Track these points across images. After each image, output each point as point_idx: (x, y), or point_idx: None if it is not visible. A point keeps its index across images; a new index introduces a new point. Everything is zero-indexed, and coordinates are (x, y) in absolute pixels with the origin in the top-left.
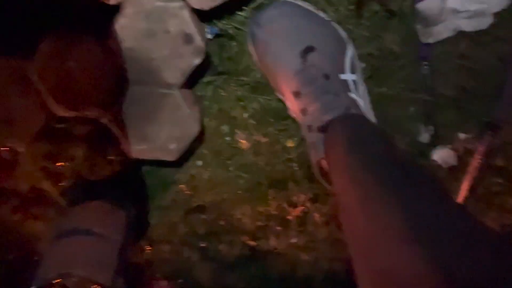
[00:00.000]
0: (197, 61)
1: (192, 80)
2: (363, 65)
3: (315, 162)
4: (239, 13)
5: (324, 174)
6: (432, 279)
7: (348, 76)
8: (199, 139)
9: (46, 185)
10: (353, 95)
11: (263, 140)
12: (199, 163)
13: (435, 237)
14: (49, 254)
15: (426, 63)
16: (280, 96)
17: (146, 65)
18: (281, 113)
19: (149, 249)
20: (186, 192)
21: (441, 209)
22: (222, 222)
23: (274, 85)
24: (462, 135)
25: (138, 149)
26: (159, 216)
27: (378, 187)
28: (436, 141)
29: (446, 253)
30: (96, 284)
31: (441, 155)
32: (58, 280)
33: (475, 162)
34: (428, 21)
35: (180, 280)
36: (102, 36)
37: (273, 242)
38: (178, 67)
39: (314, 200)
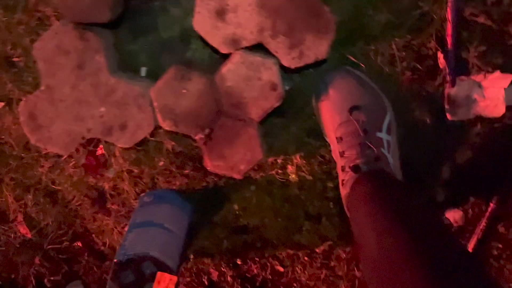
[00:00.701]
0: (277, 104)
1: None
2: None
3: (343, 196)
4: (311, 70)
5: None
6: None
7: (383, 135)
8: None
9: (127, 186)
10: (384, 151)
11: (308, 177)
12: (253, 187)
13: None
14: (128, 238)
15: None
16: (327, 140)
17: (237, 101)
18: (326, 157)
19: (192, 258)
20: (236, 211)
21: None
22: (259, 244)
23: (325, 130)
24: (472, 199)
25: (215, 164)
26: (208, 228)
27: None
28: (449, 201)
29: None
30: (166, 268)
31: (453, 215)
32: (137, 258)
33: (481, 225)
34: (455, 104)
35: None
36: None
37: (298, 271)
38: (261, 106)
39: (341, 236)
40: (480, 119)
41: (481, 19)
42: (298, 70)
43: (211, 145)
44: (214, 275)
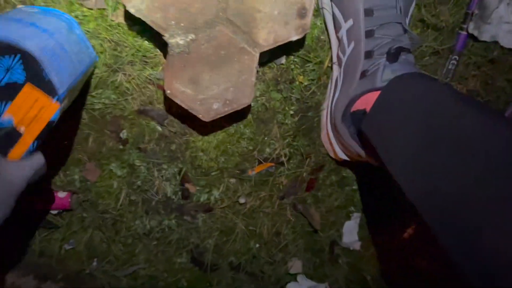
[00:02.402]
0: (295, 37)
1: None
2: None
3: (354, 96)
4: None
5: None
6: None
7: (406, 24)
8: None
9: None
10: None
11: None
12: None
13: None
14: None
15: (456, 57)
16: (341, 18)
17: (248, 12)
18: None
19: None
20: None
21: None
22: None
23: (347, 4)
24: None
25: (180, 90)
26: None
27: None
28: None
29: None
30: (44, 82)
31: None
32: None
33: None
34: (484, 14)
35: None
36: None
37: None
38: (276, 33)
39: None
40: (497, 45)
41: None
42: None
43: (184, 59)
44: None
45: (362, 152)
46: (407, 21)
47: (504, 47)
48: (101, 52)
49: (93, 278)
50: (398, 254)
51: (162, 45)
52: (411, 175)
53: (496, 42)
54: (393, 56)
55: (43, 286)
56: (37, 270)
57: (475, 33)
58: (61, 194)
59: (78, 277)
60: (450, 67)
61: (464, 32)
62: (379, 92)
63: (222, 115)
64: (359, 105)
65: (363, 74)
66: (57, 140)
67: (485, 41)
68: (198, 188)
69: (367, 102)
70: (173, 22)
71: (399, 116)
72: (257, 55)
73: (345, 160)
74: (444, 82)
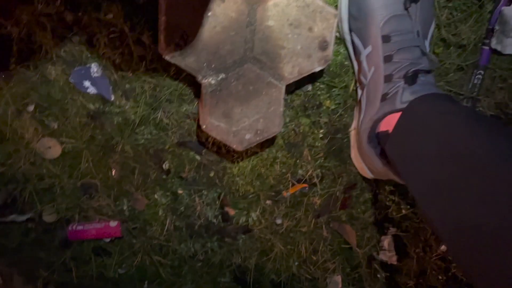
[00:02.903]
0: (318, 68)
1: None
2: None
3: (377, 118)
4: None
5: (379, 135)
6: None
7: (427, 46)
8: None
9: None
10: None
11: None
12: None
13: None
14: None
15: (481, 71)
16: (358, 42)
17: (273, 49)
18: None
19: None
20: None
21: None
22: None
23: (365, 27)
24: None
25: (214, 125)
26: None
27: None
28: None
29: None
30: None
31: None
32: None
33: None
34: (506, 28)
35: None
36: None
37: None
38: (300, 66)
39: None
40: None
41: None
42: None
43: (217, 96)
44: None
45: (388, 172)
46: (427, 43)
47: None
48: (142, 93)
49: None
50: (436, 265)
51: (196, 83)
52: (430, 202)
53: None
54: (411, 78)
55: None
56: None
57: (498, 48)
58: (112, 224)
59: None
60: (475, 81)
61: (487, 47)
62: (399, 113)
63: (255, 144)
64: (383, 126)
65: (384, 97)
66: (106, 175)
67: (510, 54)
68: (236, 211)
69: (389, 123)
70: (205, 64)
71: (419, 138)
72: (284, 87)
73: (375, 178)
74: (464, 103)
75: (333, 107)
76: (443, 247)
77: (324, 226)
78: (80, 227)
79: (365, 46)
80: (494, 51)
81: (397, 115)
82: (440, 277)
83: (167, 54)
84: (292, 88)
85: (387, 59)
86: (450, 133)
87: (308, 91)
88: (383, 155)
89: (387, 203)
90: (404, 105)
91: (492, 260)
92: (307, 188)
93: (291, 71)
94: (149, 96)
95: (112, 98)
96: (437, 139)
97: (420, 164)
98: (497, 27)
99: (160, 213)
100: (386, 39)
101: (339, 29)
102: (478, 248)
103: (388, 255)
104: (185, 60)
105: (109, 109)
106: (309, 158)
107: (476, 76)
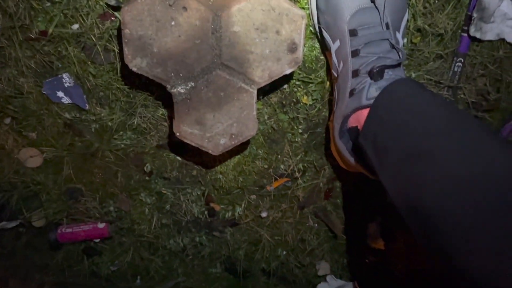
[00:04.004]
0: (289, 71)
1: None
2: (404, 40)
3: (346, 114)
4: None
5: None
6: None
7: (399, 39)
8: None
9: None
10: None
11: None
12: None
13: None
14: None
15: (461, 59)
16: (327, 37)
17: (241, 55)
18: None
19: None
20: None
21: None
22: None
23: (333, 22)
24: None
25: (187, 132)
26: None
27: None
28: None
29: None
30: None
31: None
32: None
33: None
34: (484, 15)
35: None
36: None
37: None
38: (270, 69)
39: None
40: (502, 43)
41: None
42: None
43: (187, 104)
44: None
45: (359, 167)
46: (399, 35)
47: (510, 43)
48: (117, 100)
49: None
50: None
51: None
52: (400, 190)
53: (501, 40)
54: (377, 74)
55: None
56: None
57: (477, 35)
58: (100, 225)
59: None
60: (455, 69)
61: (466, 35)
62: (367, 110)
63: (230, 148)
64: (352, 122)
65: (352, 93)
66: (89, 179)
67: (489, 40)
68: (222, 206)
69: (357, 119)
70: (172, 74)
71: (390, 126)
72: (255, 92)
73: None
74: (445, 92)
75: (310, 102)
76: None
77: (309, 216)
78: (69, 230)
79: (333, 41)
80: (474, 38)
81: (364, 111)
82: (426, 260)
83: (134, 66)
84: (267, 87)
85: (355, 53)
86: (422, 118)
87: (284, 88)
88: (354, 150)
89: (372, 191)
90: (370, 102)
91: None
92: (290, 182)
93: (261, 75)
94: (124, 102)
95: (87, 106)
96: (408, 129)
97: (392, 154)
98: (475, 14)
99: (146, 212)
100: (353, 33)
101: (313, 23)
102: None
103: (375, 241)
104: (152, 71)
105: (85, 117)
106: (290, 153)
107: (456, 64)
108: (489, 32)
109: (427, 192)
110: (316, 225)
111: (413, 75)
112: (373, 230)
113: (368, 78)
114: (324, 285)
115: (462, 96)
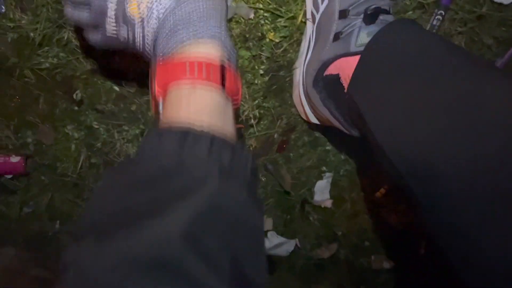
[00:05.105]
0: None
1: None
2: None
3: (326, 60)
4: None
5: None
6: None
7: None
8: None
9: None
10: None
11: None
12: None
13: None
14: None
15: (441, 12)
16: None
17: None
18: None
19: None
20: None
21: None
22: None
23: None
24: None
25: None
26: None
27: None
28: None
29: None
30: None
31: None
32: None
33: None
34: None
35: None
36: None
37: None
38: None
39: None
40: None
41: None
42: None
43: None
44: None
45: (332, 119)
46: None
47: (494, 1)
48: (43, 5)
49: (57, 239)
50: (370, 211)
51: None
52: (400, 145)
53: None
54: (370, 17)
55: (2, 251)
56: None
57: None
58: (14, 159)
59: (40, 239)
60: (434, 23)
61: None
62: (353, 57)
63: None
64: (332, 70)
65: (337, 36)
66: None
67: None
68: None
69: (339, 67)
70: None
71: (387, 75)
72: None
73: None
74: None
75: (277, 40)
76: (377, 193)
77: (258, 168)
78: None
79: None
80: None
81: (351, 59)
82: (371, 220)
83: None
84: (231, 14)
85: None
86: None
87: (250, 19)
88: (328, 101)
89: (327, 148)
90: (360, 49)
91: None
92: (243, 130)
93: None
94: (53, 10)
95: (3, 9)
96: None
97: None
98: None
99: (72, 148)
100: None
101: None
102: None
103: (323, 199)
104: None
105: (1, 22)
106: (247, 97)
107: (436, 17)
108: None
109: (436, 148)
110: (264, 178)
111: None
112: (322, 187)
113: (359, 21)
114: (265, 242)
115: None
